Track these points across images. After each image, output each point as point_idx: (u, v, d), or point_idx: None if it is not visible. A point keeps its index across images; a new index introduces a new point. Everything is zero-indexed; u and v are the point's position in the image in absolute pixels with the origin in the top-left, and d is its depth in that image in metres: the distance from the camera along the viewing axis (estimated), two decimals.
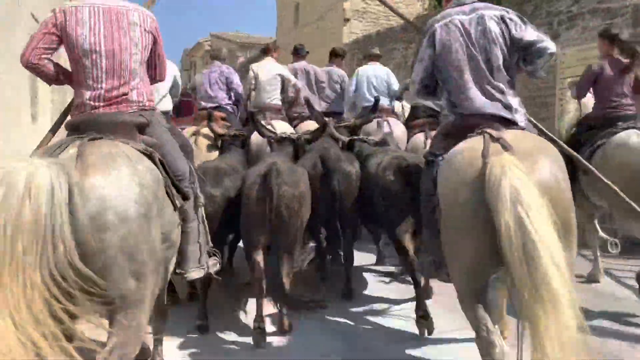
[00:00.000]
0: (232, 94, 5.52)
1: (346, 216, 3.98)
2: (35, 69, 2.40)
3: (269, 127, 4.54)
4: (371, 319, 3.78)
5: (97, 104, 2.30)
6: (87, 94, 2.31)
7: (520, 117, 2.49)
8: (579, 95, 4.48)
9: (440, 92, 2.71)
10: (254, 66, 5.75)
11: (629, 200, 3.09)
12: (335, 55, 6.49)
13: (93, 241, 1.79)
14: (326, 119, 4.51)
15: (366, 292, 4.41)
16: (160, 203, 2.10)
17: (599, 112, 4.23)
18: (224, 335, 3.47)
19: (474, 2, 2.63)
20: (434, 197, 2.50)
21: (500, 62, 2.53)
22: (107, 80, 2.31)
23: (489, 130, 2.24)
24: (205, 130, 4.83)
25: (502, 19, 2.56)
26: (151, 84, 2.59)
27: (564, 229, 1.98)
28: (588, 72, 4.31)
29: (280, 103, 5.63)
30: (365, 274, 4.84)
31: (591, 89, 4.34)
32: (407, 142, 5.35)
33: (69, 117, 2.47)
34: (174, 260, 2.51)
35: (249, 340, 3.28)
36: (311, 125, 4.97)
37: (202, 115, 5.09)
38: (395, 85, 6.00)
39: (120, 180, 1.90)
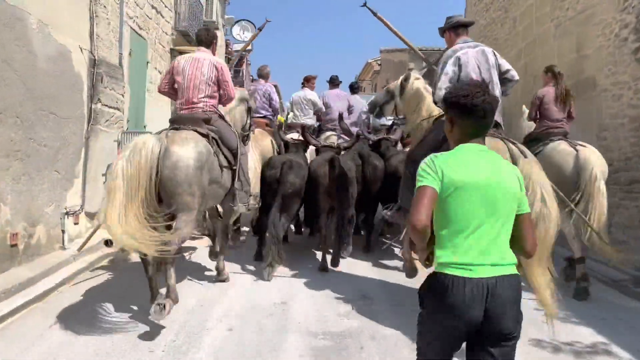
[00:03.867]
0: (271, 107, 7.41)
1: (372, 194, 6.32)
2: (163, 94, 4.79)
3: (314, 138, 6.75)
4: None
5: (183, 107, 4.39)
6: (179, 102, 4.45)
7: (500, 119, 4.05)
8: (530, 118, 5.90)
9: None
10: (294, 95, 7.88)
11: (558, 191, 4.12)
12: (356, 89, 8.68)
13: (170, 175, 3.70)
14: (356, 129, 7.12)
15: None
16: (209, 163, 4.03)
17: (540, 128, 5.65)
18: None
19: (475, 42, 4.19)
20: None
21: (496, 80, 4.01)
22: (188, 95, 4.38)
23: (506, 138, 3.94)
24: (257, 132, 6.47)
25: (494, 53, 4.11)
26: (222, 100, 4.61)
27: None
28: (534, 98, 5.73)
29: (308, 122, 7.62)
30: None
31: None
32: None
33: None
34: (221, 196, 4.57)
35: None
36: (331, 135, 7.44)
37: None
38: None
39: (187, 149, 3.83)
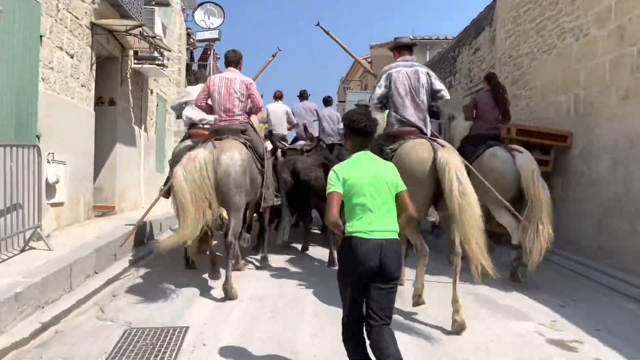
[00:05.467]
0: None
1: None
2: (199, 108, 5.61)
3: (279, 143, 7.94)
4: None
5: (221, 119, 5.37)
6: (217, 116, 5.41)
7: (429, 130, 4.71)
8: (467, 118, 6.98)
9: (386, 109, 4.95)
10: (269, 106, 8.71)
11: (497, 193, 5.08)
12: (329, 103, 9.57)
13: (223, 179, 4.81)
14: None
15: None
16: (249, 166, 5.09)
17: (477, 131, 6.52)
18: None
19: (413, 61, 4.89)
20: None
21: (424, 98, 4.74)
22: (225, 109, 5.35)
23: (429, 137, 4.59)
24: None
25: (428, 74, 4.83)
26: (253, 110, 5.63)
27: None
28: (471, 101, 6.91)
29: (280, 132, 8.52)
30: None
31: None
32: None
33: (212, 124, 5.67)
34: (256, 194, 5.51)
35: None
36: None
37: None
38: None
39: (233, 156, 4.89)
